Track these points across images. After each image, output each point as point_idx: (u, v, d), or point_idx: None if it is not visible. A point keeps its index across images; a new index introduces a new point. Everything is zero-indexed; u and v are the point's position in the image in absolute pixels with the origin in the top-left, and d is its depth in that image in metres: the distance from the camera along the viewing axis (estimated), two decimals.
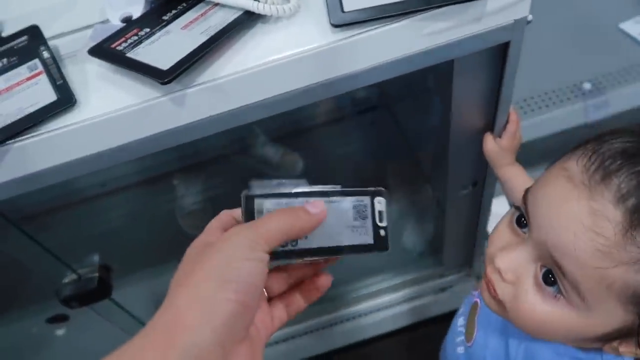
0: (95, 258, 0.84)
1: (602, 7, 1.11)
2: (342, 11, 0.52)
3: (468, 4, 0.52)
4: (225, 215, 0.39)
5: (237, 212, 0.38)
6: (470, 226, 1.04)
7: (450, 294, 1.24)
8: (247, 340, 0.33)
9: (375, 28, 0.53)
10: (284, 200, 0.37)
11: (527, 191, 0.49)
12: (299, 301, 0.39)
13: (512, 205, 0.54)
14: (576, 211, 0.41)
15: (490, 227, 1.21)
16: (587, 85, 1.01)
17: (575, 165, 0.44)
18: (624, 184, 0.40)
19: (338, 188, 0.39)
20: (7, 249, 0.83)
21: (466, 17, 0.55)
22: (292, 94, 0.55)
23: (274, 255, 0.35)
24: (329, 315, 1.22)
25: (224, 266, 0.31)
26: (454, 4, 0.52)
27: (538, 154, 1.47)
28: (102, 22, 0.60)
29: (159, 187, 1.54)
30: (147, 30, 0.56)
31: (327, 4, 0.53)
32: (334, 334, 1.24)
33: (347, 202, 0.39)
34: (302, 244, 0.36)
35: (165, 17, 0.57)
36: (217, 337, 0.29)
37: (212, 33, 0.53)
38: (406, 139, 1.49)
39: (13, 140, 0.51)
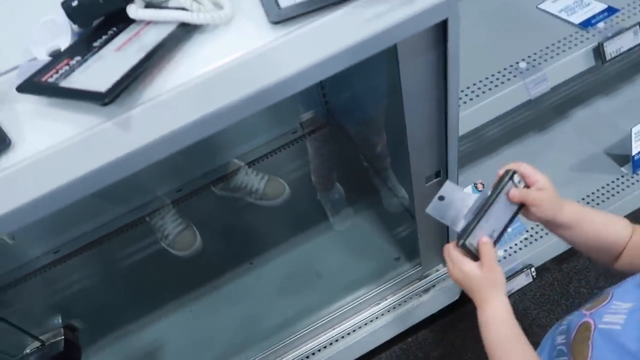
0: (58, 321, 0.77)
1: None
2: (279, 7, 0.51)
3: None
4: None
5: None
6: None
7: (434, 293, 1.22)
8: None
9: (316, 20, 0.52)
10: (477, 230, 0.62)
11: None
12: None
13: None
14: None
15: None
16: (522, 65, 1.05)
17: None
18: None
19: (488, 191, 0.63)
20: None
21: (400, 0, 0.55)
22: (243, 100, 0.53)
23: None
24: (314, 341, 1.18)
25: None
26: None
27: (489, 140, 1.51)
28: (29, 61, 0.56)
29: (115, 243, 1.48)
30: (79, 58, 0.53)
31: (262, 4, 0.52)
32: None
33: (502, 194, 0.63)
34: (497, 234, 0.65)
35: (96, 44, 0.54)
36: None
37: (148, 50, 0.51)
38: (357, 149, 1.50)
39: None
